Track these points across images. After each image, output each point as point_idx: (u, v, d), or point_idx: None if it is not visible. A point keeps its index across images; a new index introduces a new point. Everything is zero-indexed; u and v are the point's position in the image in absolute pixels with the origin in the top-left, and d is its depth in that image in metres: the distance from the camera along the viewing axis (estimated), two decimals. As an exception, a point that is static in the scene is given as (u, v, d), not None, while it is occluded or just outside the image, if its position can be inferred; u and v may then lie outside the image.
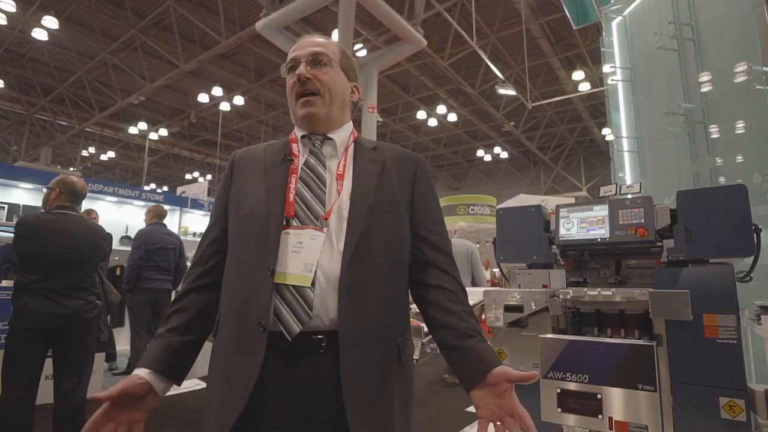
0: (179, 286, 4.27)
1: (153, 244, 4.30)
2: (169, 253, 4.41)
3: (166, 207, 8.19)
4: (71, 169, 16.85)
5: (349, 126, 1.13)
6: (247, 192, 1.02)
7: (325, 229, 0.95)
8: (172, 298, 1.14)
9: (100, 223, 4.79)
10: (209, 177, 20.45)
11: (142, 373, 0.91)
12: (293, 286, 0.90)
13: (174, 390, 4.27)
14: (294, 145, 1.08)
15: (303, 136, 1.08)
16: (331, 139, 1.07)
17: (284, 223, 0.96)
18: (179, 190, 10.30)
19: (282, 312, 0.89)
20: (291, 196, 0.98)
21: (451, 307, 0.99)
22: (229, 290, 0.98)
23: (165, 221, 4.68)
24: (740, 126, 3.16)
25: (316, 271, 0.91)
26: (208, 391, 0.96)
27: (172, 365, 0.96)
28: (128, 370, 4.81)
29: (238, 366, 0.89)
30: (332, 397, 0.87)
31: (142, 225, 4.62)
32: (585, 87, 11.27)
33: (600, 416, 1.73)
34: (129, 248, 6.66)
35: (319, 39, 1.10)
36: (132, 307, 4.25)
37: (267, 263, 0.92)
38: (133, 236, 7.53)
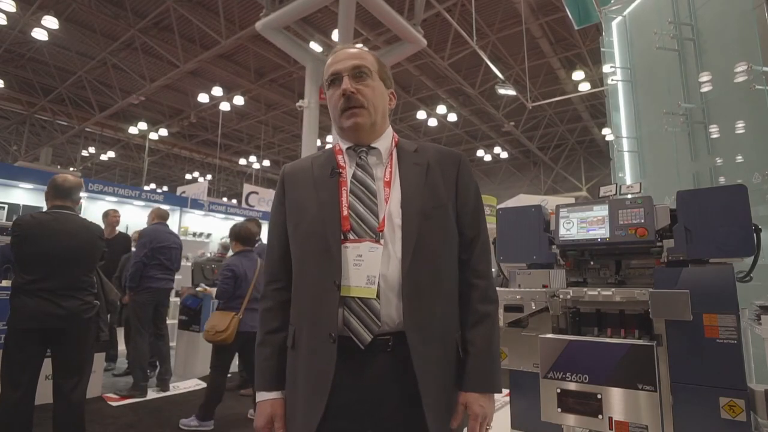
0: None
1: (158, 242, 4.29)
2: (173, 252, 4.41)
3: (167, 207, 8.17)
4: (71, 169, 16.86)
5: (390, 132, 1.16)
6: (302, 209, 1.07)
7: (381, 241, 1.00)
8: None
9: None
10: (209, 177, 20.46)
11: (276, 395, 1.06)
12: (359, 298, 0.97)
13: (174, 390, 4.29)
14: (340, 157, 1.11)
15: (348, 148, 1.11)
16: (375, 148, 1.10)
17: (342, 237, 1.01)
18: (179, 190, 10.29)
19: (351, 322, 0.96)
20: (345, 211, 1.03)
21: (478, 306, 1.07)
22: (300, 305, 1.05)
23: (167, 223, 4.69)
24: (740, 126, 3.16)
25: (379, 280, 0.97)
26: (289, 396, 1.04)
27: (284, 380, 1.07)
28: (129, 371, 4.80)
29: (315, 374, 0.97)
30: (401, 390, 0.96)
31: (142, 225, 4.62)
32: (585, 87, 11.26)
33: (600, 416, 1.73)
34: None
35: (355, 50, 1.12)
36: (135, 307, 4.23)
37: (332, 278, 0.98)
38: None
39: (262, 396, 1.06)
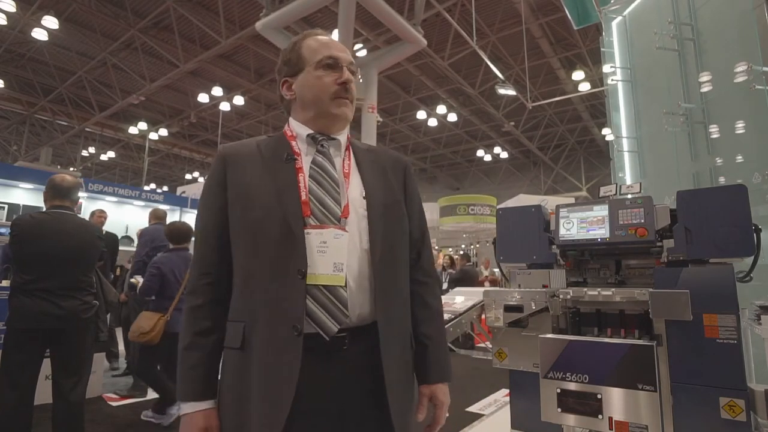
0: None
1: (160, 241, 4.30)
2: None
3: (167, 207, 8.17)
4: (71, 169, 16.85)
5: (347, 128, 1.17)
6: (252, 193, 0.98)
7: (347, 228, 0.97)
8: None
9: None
10: (209, 177, 20.42)
11: (209, 405, 0.95)
12: (324, 286, 0.91)
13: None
14: (294, 143, 1.07)
15: (309, 135, 1.07)
16: (336, 139, 1.09)
17: (303, 222, 0.97)
18: (179, 190, 10.30)
19: (316, 313, 0.90)
20: (303, 195, 0.98)
21: (431, 302, 1.12)
22: (252, 298, 0.94)
23: (166, 222, 4.69)
24: (740, 126, 3.15)
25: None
26: (233, 406, 0.93)
27: (216, 387, 0.99)
28: (128, 371, 4.80)
29: (276, 373, 0.88)
30: (365, 387, 0.94)
31: (143, 225, 4.63)
32: (585, 87, 11.27)
33: (600, 416, 1.73)
34: (129, 248, 6.68)
35: (342, 46, 1.14)
36: (137, 306, 4.19)
37: (296, 266, 0.91)
38: (132, 236, 7.55)
39: (191, 407, 0.93)
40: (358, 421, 0.93)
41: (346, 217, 0.98)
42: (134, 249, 6.68)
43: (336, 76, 1.05)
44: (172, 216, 8.94)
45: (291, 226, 0.93)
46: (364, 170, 1.08)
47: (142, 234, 4.43)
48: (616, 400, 1.71)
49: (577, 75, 11.06)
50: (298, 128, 1.08)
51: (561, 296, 2.04)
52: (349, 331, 0.93)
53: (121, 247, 5.84)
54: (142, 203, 8.40)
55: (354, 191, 1.03)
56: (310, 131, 1.07)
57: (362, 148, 1.14)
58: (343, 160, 1.07)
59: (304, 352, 0.88)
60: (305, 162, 1.03)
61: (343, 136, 1.11)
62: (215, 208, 1.01)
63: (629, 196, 2.17)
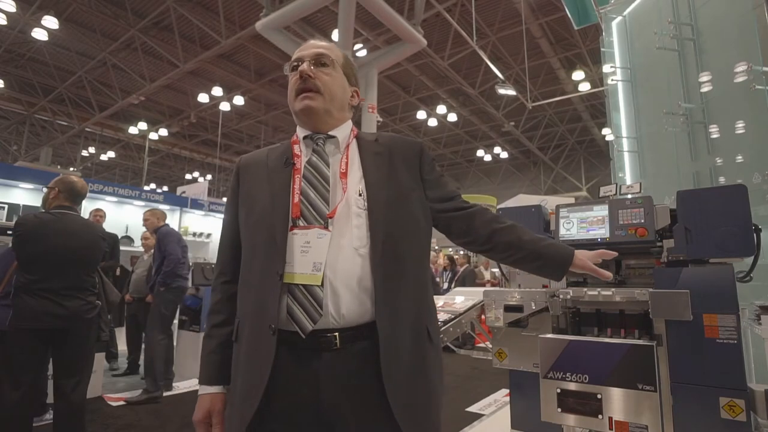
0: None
1: (183, 241, 4.30)
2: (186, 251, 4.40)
3: (167, 207, 8.16)
4: (71, 169, 16.85)
5: (350, 124, 1.15)
6: (254, 200, 1.05)
7: (331, 228, 0.96)
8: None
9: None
10: (209, 177, 20.45)
11: (217, 390, 1.04)
12: (303, 285, 0.93)
13: (174, 390, 4.29)
14: (296, 146, 1.10)
15: (305, 137, 1.09)
16: (333, 137, 1.09)
17: (291, 224, 0.98)
18: (179, 190, 10.29)
19: (294, 311, 0.92)
20: (296, 197, 1.00)
21: (522, 237, 1.14)
22: (244, 297, 1.02)
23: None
24: (740, 126, 3.15)
25: (325, 269, 0.93)
26: (230, 392, 1.02)
27: (229, 375, 1.04)
28: (130, 370, 4.80)
29: (254, 368, 0.94)
30: (368, 387, 0.92)
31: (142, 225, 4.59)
32: (585, 87, 11.27)
33: (600, 416, 1.73)
34: (129, 248, 6.68)
35: (324, 43, 1.13)
36: (165, 305, 4.09)
37: (275, 269, 0.95)
38: (132, 236, 7.54)
39: (202, 389, 1.04)
40: (359, 419, 0.92)
41: (331, 217, 0.97)
42: (134, 249, 6.69)
43: (298, 73, 1.06)
44: (172, 216, 8.94)
45: (275, 230, 0.97)
46: (367, 165, 1.06)
47: (167, 234, 4.25)
48: (616, 400, 1.71)
49: (577, 75, 11.06)
50: (299, 131, 1.13)
51: (561, 296, 2.04)
52: (341, 330, 0.92)
53: (122, 247, 5.84)
54: (142, 203, 8.39)
55: (351, 189, 1.02)
56: (307, 132, 1.10)
57: (369, 140, 1.12)
58: (342, 159, 1.06)
59: (288, 349, 0.92)
60: (303, 163, 1.05)
61: (341, 132, 1.10)
62: (230, 215, 1.12)
63: (629, 196, 2.17)
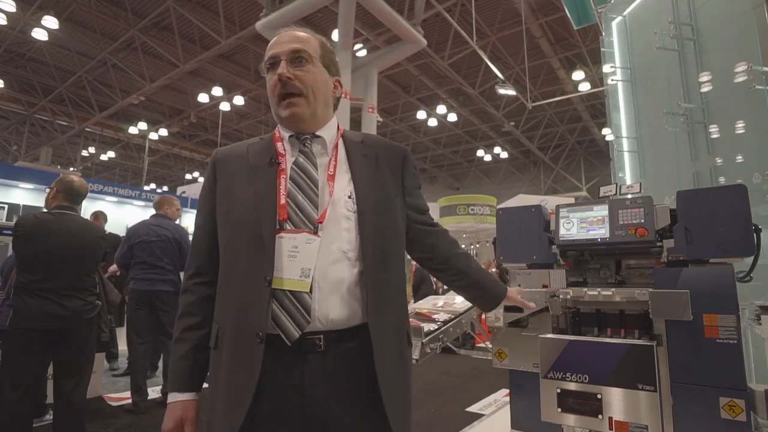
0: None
1: (136, 238, 3.89)
2: (153, 246, 3.88)
3: (166, 207, 8.09)
4: (71, 169, 16.86)
5: (335, 121, 1.11)
6: (235, 197, 0.99)
7: (320, 233, 0.94)
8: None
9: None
10: (209, 177, 20.41)
11: (189, 397, 0.99)
12: (290, 291, 0.90)
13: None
14: (279, 144, 1.05)
15: (291, 136, 1.05)
16: (320, 137, 1.05)
17: (277, 226, 0.94)
18: (179, 190, 10.30)
19: (280, 318, 0.89)
20: (282, 199, 0.96)
21: (471, 266, 1.24)
22: (225, 301, 0.97)
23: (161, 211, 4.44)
24: (740, 126, 3.16)
25: (314, 275, 0.91)
26: (211, 398, 0.96)
27: (201, 381, 1.03)
28: (130, 371, 4.79)
29: (240, 377, 0.90)
30: (356, 389, 0.92)
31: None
32: (585, 87, 11.27)
33: (600, 416, 1.73)
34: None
35: (299, 33, 1.05)
36: (127, 309, 4.06)
37: (263, 274, 0.91)
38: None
39: (173, 396, 0.98)
40: (348, 422, 0.91)
41: (321, 222, 0.95)
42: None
43: (276, 76, 1.00)
44: (172, 216, 8.94)
45: (262, 232, 0.93)
46: (355, 167, 1.03)
47: (178, 228, 4.00)
48: (616, 400, 1.71)
49: (577, 75, 11.07)
50: (282, 130, 1.08)
51: (561, 296, 2.04)
52: (326, 333, 0.91)
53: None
54: (142, 203, 8.40)
55: (339, 192, 0.99)
56: (291, 132, 1.05)
57: (356, 141, 1.09)
58: (330, 161, 1.03)
59: (272, 355, 0.89)
60: (289, 162, 1.01)
61: (327, 132, 1.06)
62: (205, 211, 1.05)
63: (629, 196, 2.17)
